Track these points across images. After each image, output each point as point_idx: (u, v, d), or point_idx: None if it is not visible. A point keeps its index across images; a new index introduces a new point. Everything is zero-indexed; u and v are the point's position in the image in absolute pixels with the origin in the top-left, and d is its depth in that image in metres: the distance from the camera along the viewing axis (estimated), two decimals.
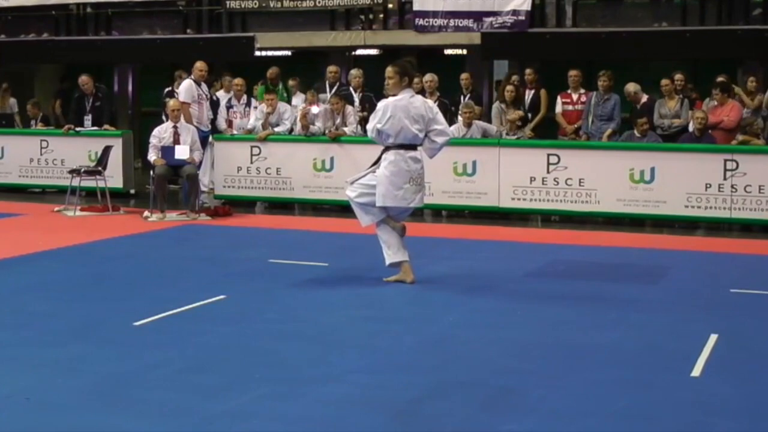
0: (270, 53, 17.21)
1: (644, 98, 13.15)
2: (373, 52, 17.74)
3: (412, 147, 8.21)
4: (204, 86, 13.65)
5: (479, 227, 11.97)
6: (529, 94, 13.75)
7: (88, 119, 14.76)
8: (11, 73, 18.68)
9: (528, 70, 14.18)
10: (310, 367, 5.88)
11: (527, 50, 15.25)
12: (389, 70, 8.18)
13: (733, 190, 11.54)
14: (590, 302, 7.74)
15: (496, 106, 13.58)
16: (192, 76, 13.49)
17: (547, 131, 14.44)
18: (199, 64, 13.48)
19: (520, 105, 13.47)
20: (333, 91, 14.03)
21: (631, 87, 13.16)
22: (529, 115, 13.48)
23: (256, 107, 13.92)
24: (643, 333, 6.78)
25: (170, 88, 14.91)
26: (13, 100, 16.78)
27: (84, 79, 14.77)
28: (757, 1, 14.69)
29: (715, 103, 12.57)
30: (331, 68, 14.44)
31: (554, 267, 9.33)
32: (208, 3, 17.33)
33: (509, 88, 13.45)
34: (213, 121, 13.95)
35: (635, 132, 12.35)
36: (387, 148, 8.20)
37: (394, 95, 8.18)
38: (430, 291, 7.99)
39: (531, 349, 6.34)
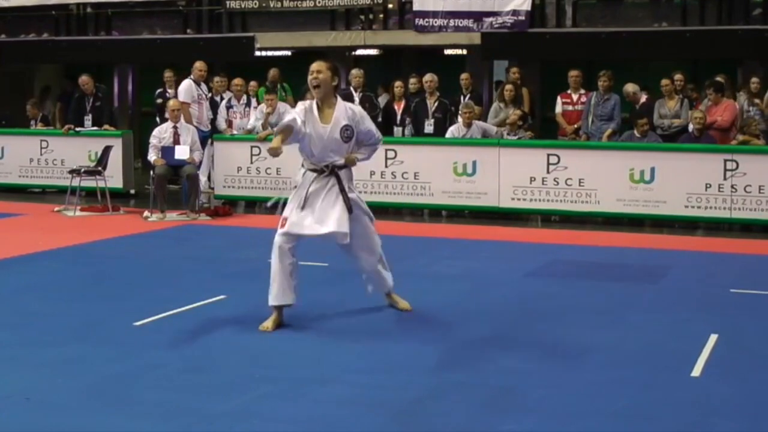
0: (270, 53, 17.22)
1: (644, 98, 13.15)
2: (373, 52, 17.74)
3: None
4: (203, 86, 13.68)
5: (479, 227, 11.96)
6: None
7: (88, 119, 14.77)
8: (11, 73, 18.68)
9: (513, 69, 14.21)
10: (310, 367, 5.88)
11: (527, 50, 15.25)
12: (320, 65, 6.82)
13: (733, 190, 11.54)
14: (590, 302, 7.75)
15: (495, 106, 13.57)
16: (191, 76, 13.53)
17: (547, 131, 14.46)
18: (199, 64, 13.53)
19: (520, 104, 13.50)
20: None
21: (630, 87, 13.17)
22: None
23: (256, 107, 13.92)
24: (643, 333, 6.78)
25: (162, 89, 14.93)
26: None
27: (84, 79, 14.78)
28: (757, 1, 14.69)
29: (709, 103, 12.58)
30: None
31: (554, 267, 9.33)
32: (208, 3, 17.34)
33: (508, 87, 13.46)
34: (212, 121, 13.97)
35: (635, 132, 12.35)
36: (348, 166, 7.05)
37: (320, 97, 6.86)
38: (429, 291, 7.99)
39: (531, 349, 6.34)
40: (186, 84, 13.46)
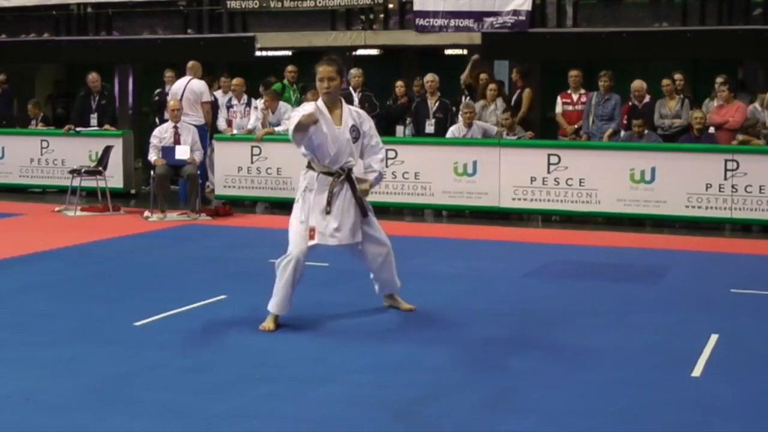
0: (270, 53, 17.22)
1: (647, 98, 13.10)
2: (374, 52, 17.74)
3: None
4: None
5: (479, 227, 11.96)
6: (516, 94, 13.86)
7: (93, 117, 14.82)
8: (11, 73, 18.67)
9: (514, 70, 14.23)
10: (311, 367, 5.88)
11: (527, 50, 15.25)
12: (329, 70, 6.77)
13: (734, 190, 11.53)
14: (590, 302, 7.74)
15: (481, 103, 13.52)
16: (193, 76, 13.63)
17: (547, 131, 14.46)
18: (198, 63, 13.74)
19: (517, 105, 13.54)
20: None
21: (638, 84, 13.06)
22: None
23: (256, 107, 13.93)
24: (643, 333, 6.78)
25: (161, 89, 15.02)
26: None
27: (93, 77, 14.88)
28: (757, 1, 14.68)
29: (721, 102, 12.49)
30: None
31: (554, 267, 9.33)
32: (209, 3, 17.33)
33: (492, 86, 13.47)
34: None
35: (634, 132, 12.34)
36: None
37: (331, 102, 6.83)
38: (430, 291, 7.98)
39: (531, 349, 6.34)
40: (205, 84, 13.59)
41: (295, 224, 6.90)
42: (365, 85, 13.95)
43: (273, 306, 6.82)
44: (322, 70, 6.81)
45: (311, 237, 6.80)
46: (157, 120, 14.76)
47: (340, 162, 6.86)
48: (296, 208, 6.99)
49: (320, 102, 6.89)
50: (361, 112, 7.12)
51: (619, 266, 9.38)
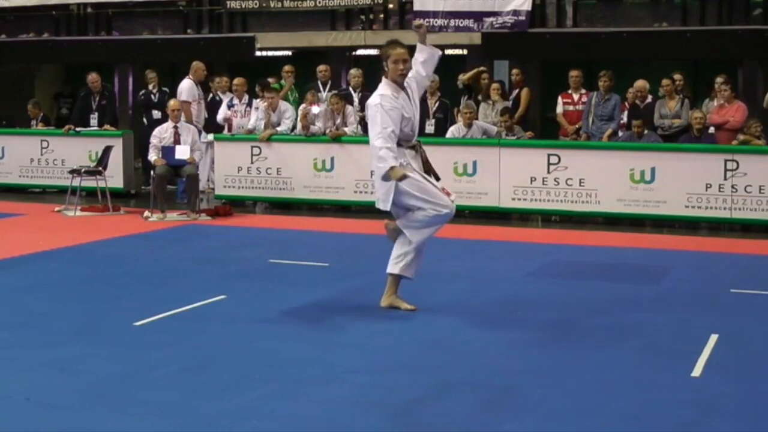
0: (270, 53, 17.22)
1: (649, 98, 13.11)
2: (374, 52, 17.74)
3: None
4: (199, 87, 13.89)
5: (479, 227, 11.96)
6: (514, 93, 13.90)
7: (94, 117, 14.86)
8: (11, 73, 18.69)
9: (515, 71, 14.26)
10: (310, 367, 5.88)
11: (527, 50, 15.26)
12: (403, 52, 7.06)
13: (734, 190, 11.54)
14: (590, 302, 7.74)
15: (482, 107, 13.55)
16: (191, 77, 13.67)
17: (547, 131, 14.47)
18: (201, 65, 13.69)
19: (515, 104, 13.57)
20: (327, 89, 14.08)
21: (641, 83, 13.04)
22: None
23: (257, 108, 13.94)
24: (643, 333, 6.78)
25: (146, 90, 15.09)
26: None
27: (93, 77, 14.91)
28: (757, 1, 14.70)
29: (721, 101, 12.48)
30: (321, 67, 14.46)
31: (554, 267, 9.33)
32: (209, 3, 17.36)
33: (495, 85, 13.48)
34: (208, 121, 14.10)
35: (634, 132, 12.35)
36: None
37: (402, 82, 7.14)
38: (429, 291, 7.98)
39: (531, 349, 6.34)
40: (188, 84, 13.64)
41: (427, 185, 7.11)
42: (365, 85, 13.95)
43: (411, 270, 7.21)
44: (396, 52, 7.01)
45: (447, 194, 7.17)
46: (145, 120, 14.89)
47: (416, 134, 7.20)
48: (410, 178, 7.04)
49: (391, 84, 7.04)
50: (412, 82, 7.26)
51: (619, 266, 9.38)
